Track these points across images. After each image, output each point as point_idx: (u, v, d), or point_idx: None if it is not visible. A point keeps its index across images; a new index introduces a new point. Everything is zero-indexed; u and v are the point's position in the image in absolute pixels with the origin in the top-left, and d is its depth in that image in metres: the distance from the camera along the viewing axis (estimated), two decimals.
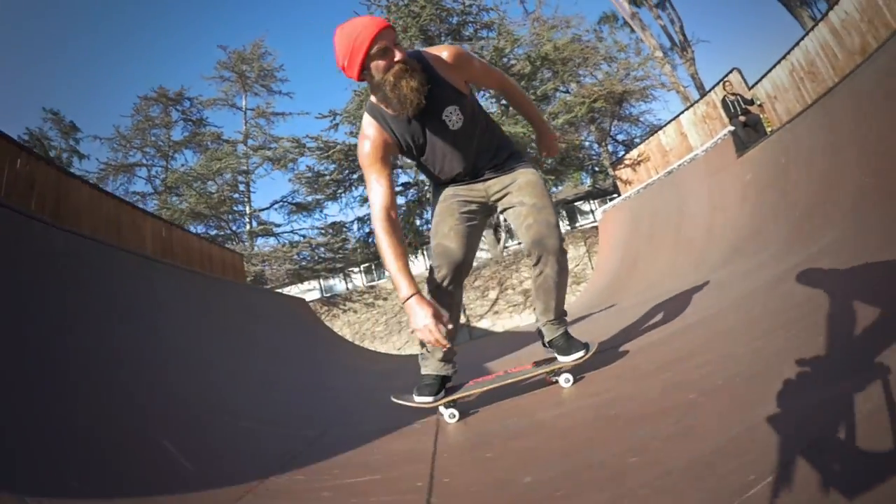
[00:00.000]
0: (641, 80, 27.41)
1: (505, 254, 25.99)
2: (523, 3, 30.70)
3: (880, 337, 2.21)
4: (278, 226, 30.45)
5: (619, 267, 15.42)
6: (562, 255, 3.47)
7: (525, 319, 22.75)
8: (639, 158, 20.56)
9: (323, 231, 29.13)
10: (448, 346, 2.95)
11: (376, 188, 3.15)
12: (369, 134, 3.19)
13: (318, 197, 27.58)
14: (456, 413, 3.46)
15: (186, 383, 5.07)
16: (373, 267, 35.20)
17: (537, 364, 3.74)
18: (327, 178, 26.21)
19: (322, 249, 29.19)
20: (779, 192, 8.47)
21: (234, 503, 2.43)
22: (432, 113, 3.18)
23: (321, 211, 29.12)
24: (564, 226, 32.41)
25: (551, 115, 23.63)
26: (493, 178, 3.52)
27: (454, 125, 3.24)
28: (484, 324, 23.16)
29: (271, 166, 28.77)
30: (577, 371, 3.73)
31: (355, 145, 23.43)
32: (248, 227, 29.61)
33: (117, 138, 30.63)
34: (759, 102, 14.76)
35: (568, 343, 3.62)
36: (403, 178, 27.10)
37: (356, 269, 34.23)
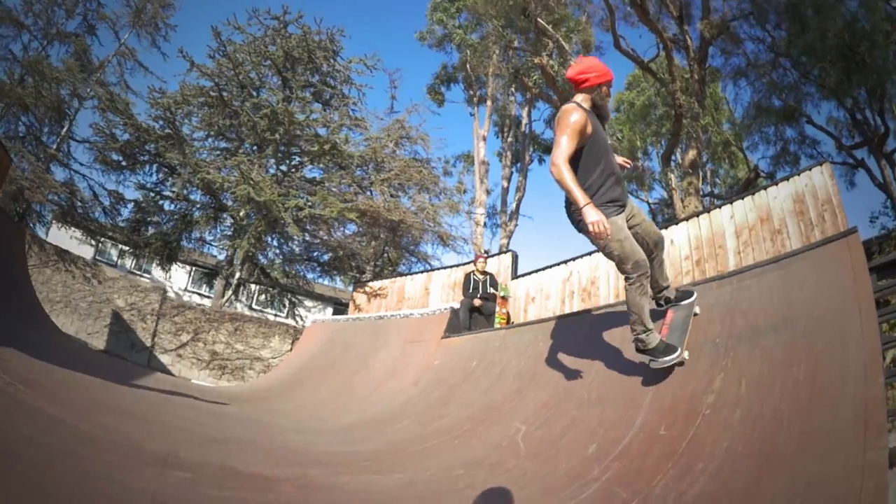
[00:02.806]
0: (435, 222, 24.92)
1: (222, 308, 23.00)
2: (394, 99, 28.20)
3: None
4: (81, 164, 25.47)
5: (292, 376, 13.87)
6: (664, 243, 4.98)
7: (202, 378, 20.11)
8: (378, 291, 18.66)
9: (110, 193, 24.73)
10: (607, 237, 4.04)
11: (570, 144, 4.14)
12: (582, 112, 4.24)
13: (118, 158, 23.55)
14: (687, 352, 4.31)
15: None
16: (113, 252, 32.97)
17: (676, 309, 4.81)
18: (116, 144, 22.56)
19: (98, 210, 24.77)
20: (446, 393, 7.41)
21: None
22: (605, 126, 4.66)
23: (123, 173, 24.38)
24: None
25: (311, 201, 21.78)
26: (627, 206, 4.50)
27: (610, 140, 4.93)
28: (165, 359, 20.27)
29: (97, 101, 23.81)
30: None
31: (148, 129, 21.69)
32: (54, 147, 24.76)
33: None
34: (503, 294, 12.47)
35: (682, 293, 4.95)
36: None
37: (124, 248, 31.31)
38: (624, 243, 4.24)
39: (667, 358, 4.22)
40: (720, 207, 9.58)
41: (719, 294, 4.78)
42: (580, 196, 3.94)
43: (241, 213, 22.37)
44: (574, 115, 4.19)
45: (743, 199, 9.24)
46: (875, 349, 3.18)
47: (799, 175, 8.52)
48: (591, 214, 3.88)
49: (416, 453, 5.14)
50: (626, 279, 4.32)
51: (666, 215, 34.52)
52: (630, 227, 4.45)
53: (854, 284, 3.63)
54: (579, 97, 4.45)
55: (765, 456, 2.83)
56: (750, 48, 23.76)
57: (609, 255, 4.31)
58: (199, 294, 33.44)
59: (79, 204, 23.91)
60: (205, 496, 3.09)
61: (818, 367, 3.25)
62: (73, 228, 25.35)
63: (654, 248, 4.64)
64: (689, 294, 4.86)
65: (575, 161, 4.28)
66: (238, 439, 5.51)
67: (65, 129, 25.00)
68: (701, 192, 23.71)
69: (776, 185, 8.83)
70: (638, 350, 4.41)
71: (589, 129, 4.24)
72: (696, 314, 4.63)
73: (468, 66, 32.37)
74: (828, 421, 2.87)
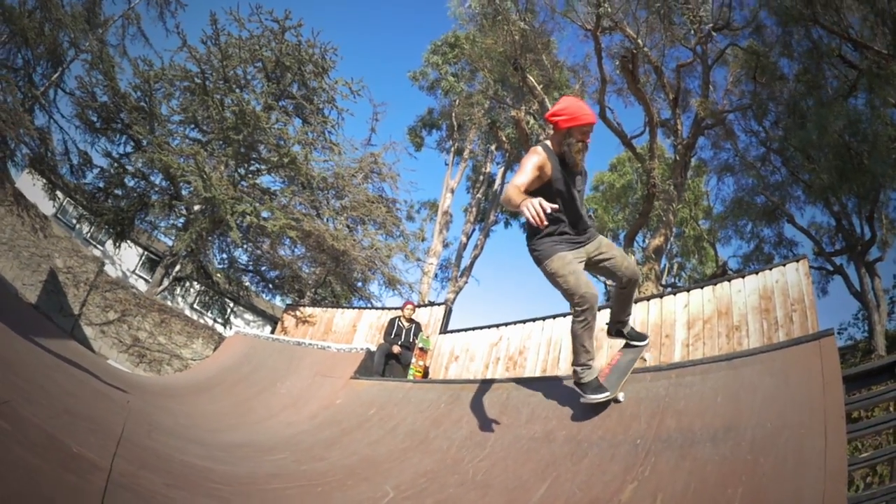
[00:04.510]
0: (383, 262, 24.29)
1: (158, 296, 22.47)
2: (373, 132, 27.81)
3: None
4: (62, 116, 24.41)
5: (201, 382, 13.59)
6: (640, 279, 5.13)
7: (120, 361, 19.29)
8: (307, 317, 18.11)
9: (80, 153, 23.87)
10: (544, 223, 3.69)
11: (524, 177, 4.16)
12: (541, 154, 4.29)
13: (94, 119, 22.83)
14: (624, 393, 4.31)
15: None
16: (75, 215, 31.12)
17: (625, 352, 4.87)
18: (94, 104, 22.01)
19: (66, 166, 23.98)
20: (336, 435, 6.96)
21: None
22: (577, 173, 4.51)
23: (97, 136, 23.51)
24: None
25: (258, 210, 21.06)
26: (590, 243, 4.55)
27: (579, 187, 4.55)
28: (88, 331, 19.54)
29: (90, 57, 22.96)
30: None
31: (125, 96, 22.15)
32: (40, 90, 23.56)
33: None
34: (421, 345, 11.67)
35: (637, 334, 5.06)
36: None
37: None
38: (568, 278, 4.30)
39: (594, 396, 4.25)
40: (675, 294, 8.64)
41: (652, 388, 4.29)
42: (518, 200, 3.83)
43: (196, 207, 21.82)
44: (533, 157, 4.26)
45: (702, 288, 8.31)
46: (839, 474, 2.61)
47: (771, 270, 7.66)
48: (525, 203, 3.69)
49: (271, 491, 4.54)
50: (573, 311, 4.33)
51: None
52: (599, 262, 4.59)
53: (823, 395, 3.03)
54: (549, 140, 4.48)
55: None
56: (742, 140, 23.68)
57: (558, 288, 4.40)
58: (146, 280, 32.32)
59: (48, 154, 23.13)
60: (7, 451, 2.61)
61: (761, 491, 2.66)
62: (38, 177, 24.84)
63: (626, 284, 4.73)
64: (643, 337, 5.02)
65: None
66: (97, 421, 4.85)
67: (56, 76, 24.08)
68: (663, 283, 23.09)
69: (742, 277, 7.96)
70: (574, 383, 4.47)
71: (548, 171, 4.28)
72: (644, 359, 4.78)
73: (453, 115, 32.18)
74: None
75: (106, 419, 5.21)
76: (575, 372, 4.39)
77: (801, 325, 6.80)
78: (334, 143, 24.00)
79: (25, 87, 23.17)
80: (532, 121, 22.82)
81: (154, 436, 5.58)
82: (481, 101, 27.78)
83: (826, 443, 2.72)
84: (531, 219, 3.61)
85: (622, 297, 4.83)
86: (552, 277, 4.40)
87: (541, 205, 3.59)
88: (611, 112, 21.93)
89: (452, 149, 34.13)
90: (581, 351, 4.32)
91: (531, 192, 4.19)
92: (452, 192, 33.18)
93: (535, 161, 4.20)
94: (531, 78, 21.32)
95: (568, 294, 4.33)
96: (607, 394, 4.20)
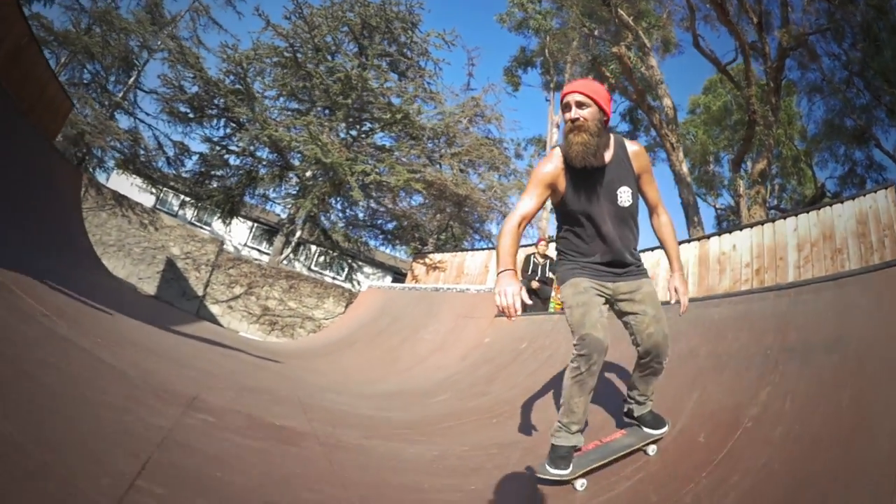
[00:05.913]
0: (502, 202, 24.55)
1: (281, 264, 23.29)
2: (470, 77, 28.07)
3: None
4: (147, 114, 25.63)
5: (341, 339, 13.99)
6: (666, 357, 3.54)
7: (250, 331, 20.35)
8: (437, 264, 18.65)
9: (175, 144, 25.04)
10: (513, 317, 2.92)
11: (528, 200, 3.33)
12: (553, 161, 3.38)
13: (185, 110, 23.47)
14: (585, 482, 3.37)
15: None
16: (174, 203, 33.04)
17: (630, 432, 3.77)
18: (184, 96, 22.70)
19: (162, 159, 25.21)
20: (492, 371, 7.29)
21: None
22: (608, 183, 3.37)
23: (190, 125, 24.17)
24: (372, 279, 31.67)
25: (378, 168, 21.69)
26: (623, 281, 3.51)
27: (622, 202, 3.40)
28: (215, 309, 20.64)
29: (167, 54, 23.55)
30: None
31: (218, 83, 21.60)
32: (119, 95, 24.92)
33: None
34: None
35: (654, 418, 3.75)
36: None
37: (187, 199, 31.13)
38: (574, 310, 3.35)
39: (552, 471, 3.25)
40: (785, 219, 9.14)
41: (776, 304, 4.37)
42: (501, 262, 3.07)
43: (308, 174, 22.40)
44: (543, 167, 3.37)
45: (808, 213, 8.79)
46: None
47: (864, 196, 8.07)
48: (501, 282, 2.92)
49: (452, 428, 5.08)
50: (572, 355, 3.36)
51: (732, 222, 33.61)
52: (621, 311, 3.54)
53: None
54: None
55: (798, 480, 2.59)
56: (826, 64, 23.39)
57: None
58: (258, 250, 33.65)
59: (142, 152, 24.32)
60: (225, 441, 3.04)
61: (864, 394, 2.92)
62: (134, 176, 25.88)
63: (643, 355, 3.52)
64: (661, 424, 3.72)
65: (559, 219, 3.66)
66: (273, 392, 5.52)
67: (132, 79, 25.25)
68: (767, 205, 23.15)
69: (841, 202, 8.37)
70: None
71: (561, 186, 3.37)
72: (647, 454, 3.64)
73: (547, 51, 31.83)
74: (863, 454, 2.55)
75: (276, 388, 5.81)
76: (553, 430, 3.42)
77: (892, 249, 7.21)
78: (435, 93, 24.18)
79: (102, 97, 24.27)
80: (631, 55, 22.88)
81: (321, 395, 6.16)
82: (574, 36, 27.62)
83: None
84: (500, 309, 2.88)
85: (641, 370, 3.64)
86: (564, 306, 3.50)
87: (516, 297, 2.83)
88: (703, 40, 21.92)
89: (552, 83, 33.79)
90: (564, 410, 3.37)
91: (557, 211, 3.59)
92: (558, 126, 32.55)
93: (542, 175, 3.37)
94: (623, 13, 21.46)
95: (571, 328, 3.39)
96: (564, 472, 3.26)
